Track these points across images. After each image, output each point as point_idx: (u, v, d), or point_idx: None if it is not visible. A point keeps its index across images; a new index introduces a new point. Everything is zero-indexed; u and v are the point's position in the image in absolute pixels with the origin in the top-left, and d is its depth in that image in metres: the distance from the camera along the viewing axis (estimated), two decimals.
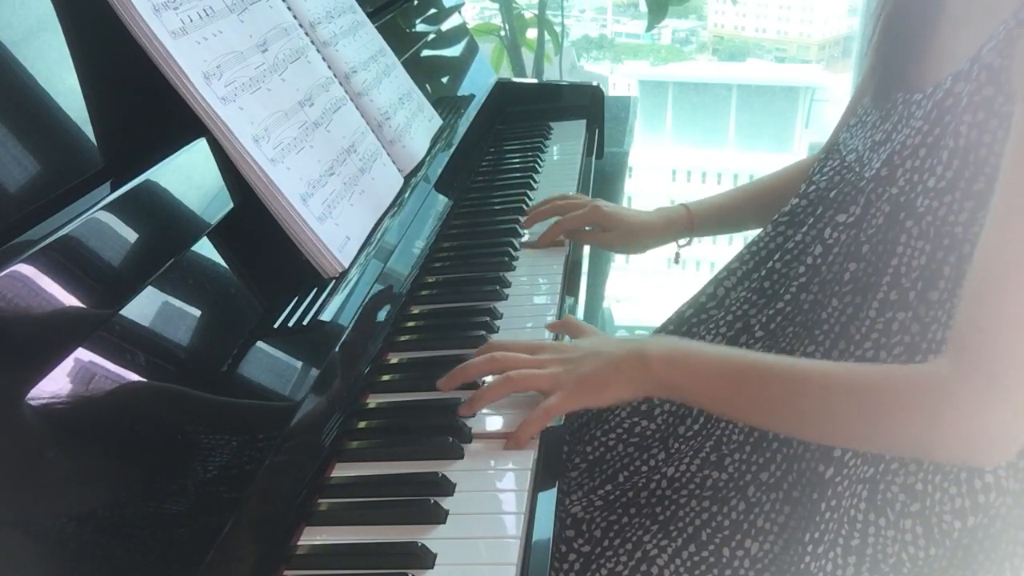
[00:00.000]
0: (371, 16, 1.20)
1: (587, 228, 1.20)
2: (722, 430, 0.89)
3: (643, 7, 2.44)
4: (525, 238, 1.20)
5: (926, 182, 0.77)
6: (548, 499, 0.74)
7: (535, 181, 1.38)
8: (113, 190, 0.68)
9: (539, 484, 0.76)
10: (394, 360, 0.93)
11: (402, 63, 1.22)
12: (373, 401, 0.86)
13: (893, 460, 0.79)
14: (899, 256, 0.79)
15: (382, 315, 0.92)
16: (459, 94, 1.50)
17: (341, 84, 1.02)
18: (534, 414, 0.78)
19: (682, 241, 1.18)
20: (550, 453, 0.79)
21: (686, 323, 1.03)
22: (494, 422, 0.83)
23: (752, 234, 1.03)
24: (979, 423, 0.67)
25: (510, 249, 1.14)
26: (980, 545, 0.77)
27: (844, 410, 0.72)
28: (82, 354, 0.57)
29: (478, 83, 1.60)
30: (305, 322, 0.78)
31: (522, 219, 1.23)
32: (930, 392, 0.69)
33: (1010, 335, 0.66)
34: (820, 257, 0.87)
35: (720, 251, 0.99)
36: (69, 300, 0.59)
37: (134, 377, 0.61)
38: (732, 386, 0.77)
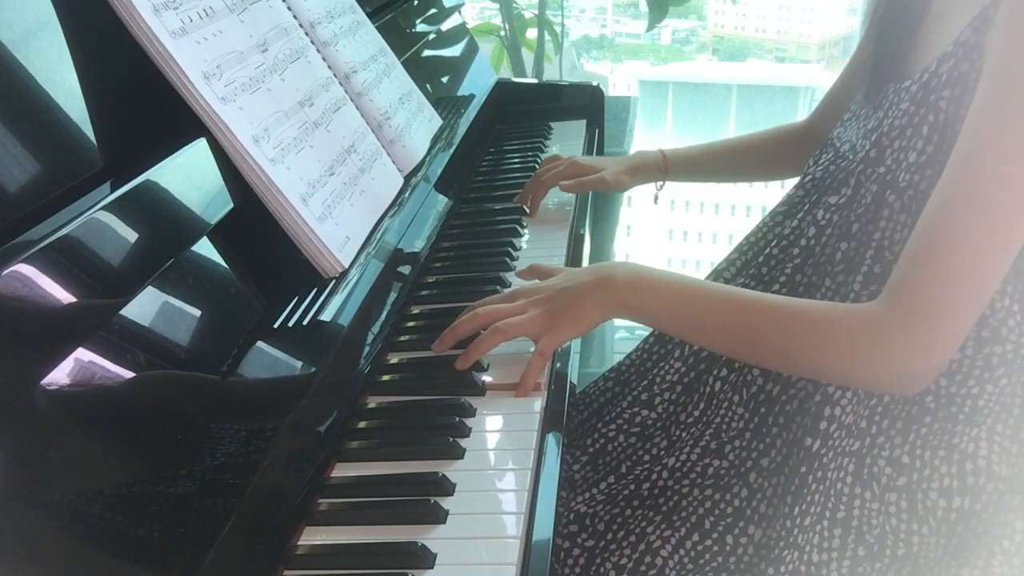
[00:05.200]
0: (371, 16, 1.20)
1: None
2: (721, 417, 0.90)
3: (643, 7, 2.44)
4: (526, 237, 1.20)
5: (908, 158, 0.80)
6: (550, 486, 0.74)
7: None
8: (113, 190, 0.68)
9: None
10: (394, 360, 0.93)
11: (402, 63, 1.22)
12: (373, 401, 0.86)
13: (879, 434, 0.81)
14: (882, 230, 0.82)
15: (382, 315, 0.92)
16: (459, 94, 1.50)
17: (341, 84, 1.02)
18: (532, 361, 0.85)
19: (659, 184, 1.28)
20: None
21: None
22: (494, 422, 0.83)
23: (751, 226, 1.04)
24: (898, 363, 0.74)
25: (510, 249, 1.14)
26: (973, 531, 0.77)
27: (781, 337, 0.78)
28: (82, 354, 0.57)
29: (478, 83, 1.60)
30: (305, 322, 0.78)
31: (523, 220, 1.24)
32: (860, 331, 0.74)
33: (939, 289, 0.71)
34: (814, 239, 0.89)
35: (721, 251, 1.02)
36: (69, 300, 0.59)
37: (134, 378, 0.61)
38: (687, 309, 0.83)
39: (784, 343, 0.78)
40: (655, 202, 1.31)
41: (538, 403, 0.84)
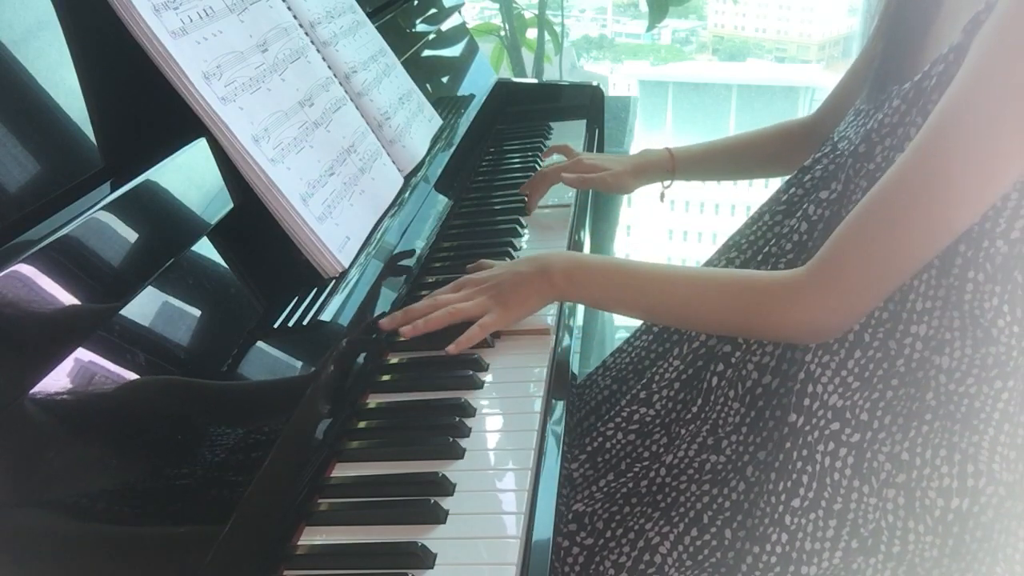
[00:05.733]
0: (371, 16, 1.20)
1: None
2: (718, 413, 0.90)
3: (643, 7, 2.44)
4: (526, 237, 1.20)
5: (896, 159, 0.80)
6: (550, 486, 0.74)
7: None
8: (113, 190, 0.68)
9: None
10: (394, 360, 0.93)
11: (402, 63, 1.22)
12: (373, 401, 0.86)
13: (881, 429, 0.81)
14: None
15: (382, 315, 0.92)
16: (459, 94, 1.50)
17: (341, 84, 1.02)
18: (472, 328, 0.90)
19: (666, 183, 1.29)
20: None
21: None
22: (494, 422, 0.83)
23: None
24: (812, 322, 0.80)
25: (510, 249, 1.14)
26: (972, 534, 0.77)
27: (709, 306, 0.86)
28: (82, 354, 0.58)
29: (478, 83, 1.60)
30: (305, 322, 0.78)
31: (523, 220, 1.24)
32: (781, 293, 0.81)
33: (856, 258, 0.76)
34: (806, 234, 0.90)
35: None
36: (69, 300, 0.59)
37: (134, 377, 0.61)
38: (619, 291, 0.91)
39: (711, 311, 0.86)
40: (661, 199, 1.31)
41: (538, 403, 0.85)
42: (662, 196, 1.31)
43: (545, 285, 0.91)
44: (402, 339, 0.92)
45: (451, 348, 0.89)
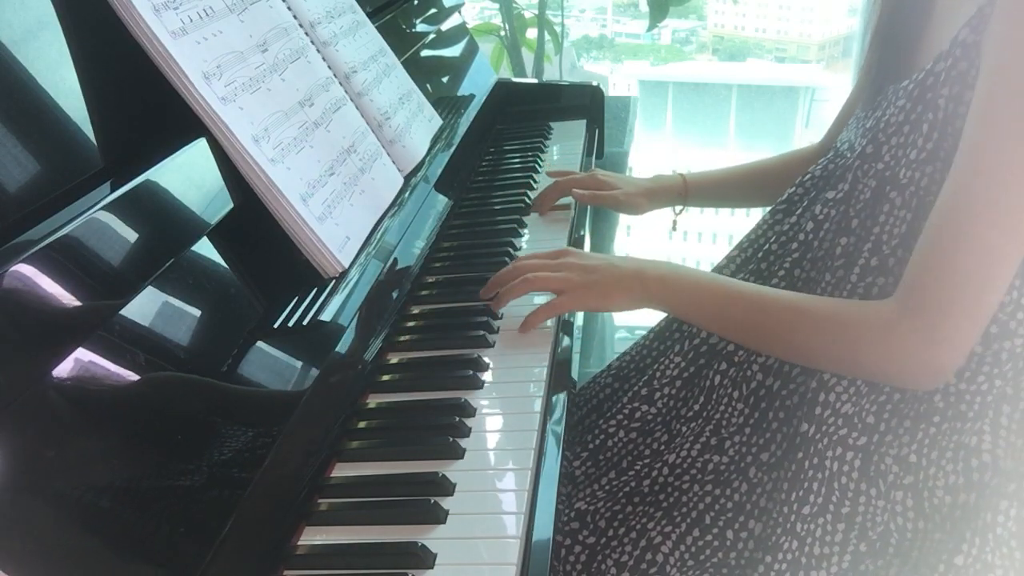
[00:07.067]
0: (371, 16, 1.20)
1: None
2: (721, 413, 0.90)
3: (643, 7, 2.44)
4: (526, 237, 1.20)
5: (908, 155, 0.81)
6: (550, 486, 0.74)
7: (535, 181, 1.38)
8: (113, 190, 0.68)
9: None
10: (394, 360, 0.93)
11: (402, 63, 1.22)
12: (373, 401, 0.86)
13: (888, 431, 0.81)
14: (881, 225, 0.83)
15: (382, 315, 0.92)
16: (459, 94, 1.50)
17: (341, 84, 1.02)
18: (543, 306, 0.92)
19: (677, 208, 1.27)
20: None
21: None
22: (494, 422, 0.83)
23: (751, 225, 1.05)
24: (905, 357, 0.75)
25: (510, 249, 1.14)
26: (968, 521, 0.78)
27: (802, 333, 0.81)
28: (82, 354, 0.58)
29: (478, 83, 1.60)
30: (305, 322, 0.78)
31: (523, 219, 1.24)
32: (869, 326, 0.77)
33: (945, 287, 0.73)
34: (811, 233, 0.90)
35: (721, 251, 1.03)
36: (69, 300, 0.59)
37: (133, 378, 0.61)
38: (712, 307, 0.87)
39: (798, 338, 0.82)
40: (674, 228, 1.30)
41: (538, 403, 0.85)
42: (675, 224, 1.29)
43: (637, 286, 0.90)
44: (403, 339, 0.91)
45: (520, 328, 0.92)
